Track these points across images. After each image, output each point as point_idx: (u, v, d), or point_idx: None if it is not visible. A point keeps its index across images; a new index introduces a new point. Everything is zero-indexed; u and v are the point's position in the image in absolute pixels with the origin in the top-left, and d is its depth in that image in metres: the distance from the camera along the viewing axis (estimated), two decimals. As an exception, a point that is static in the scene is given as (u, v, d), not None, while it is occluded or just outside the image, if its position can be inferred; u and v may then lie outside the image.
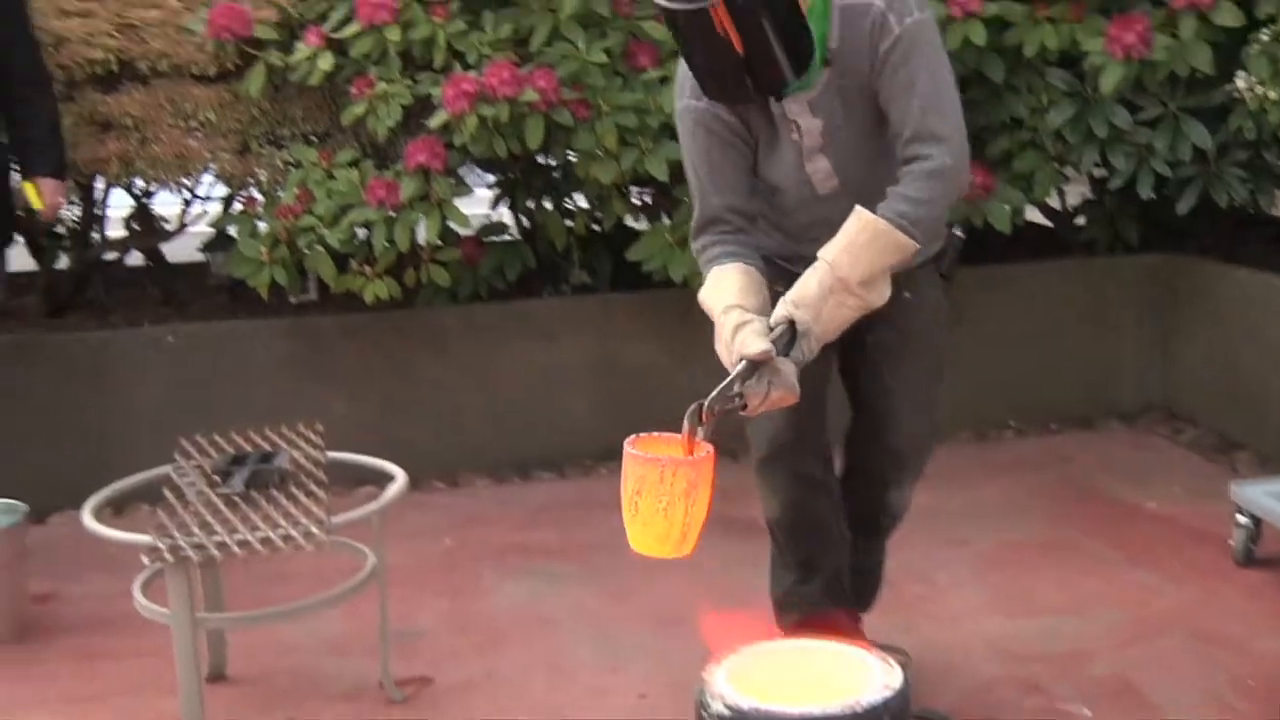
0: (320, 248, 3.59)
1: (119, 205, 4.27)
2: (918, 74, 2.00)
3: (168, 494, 2.42)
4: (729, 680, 1.78)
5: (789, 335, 1.99)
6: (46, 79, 3.32)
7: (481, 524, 3.53)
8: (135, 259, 4.48)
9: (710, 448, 1.84)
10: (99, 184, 4.01)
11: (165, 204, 4.32)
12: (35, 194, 3.26)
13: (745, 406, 1.93)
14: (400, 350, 3.81)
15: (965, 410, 3.95)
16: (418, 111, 3.63)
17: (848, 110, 2.08)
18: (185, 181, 3.87)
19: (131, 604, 2.48)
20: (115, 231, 4.32)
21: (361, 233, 3.63)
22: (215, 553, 2.17)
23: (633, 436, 1.87)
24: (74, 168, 3.62)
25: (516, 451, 3.87)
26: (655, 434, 1.87)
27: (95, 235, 4.23)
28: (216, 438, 2.71)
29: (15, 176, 3.31)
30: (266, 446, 2.64)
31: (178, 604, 2.25)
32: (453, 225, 3.66)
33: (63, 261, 4.23)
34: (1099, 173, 4.05)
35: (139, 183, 4.03)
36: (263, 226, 3.67)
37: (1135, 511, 3.34)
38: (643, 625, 2.85)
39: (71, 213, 4.21)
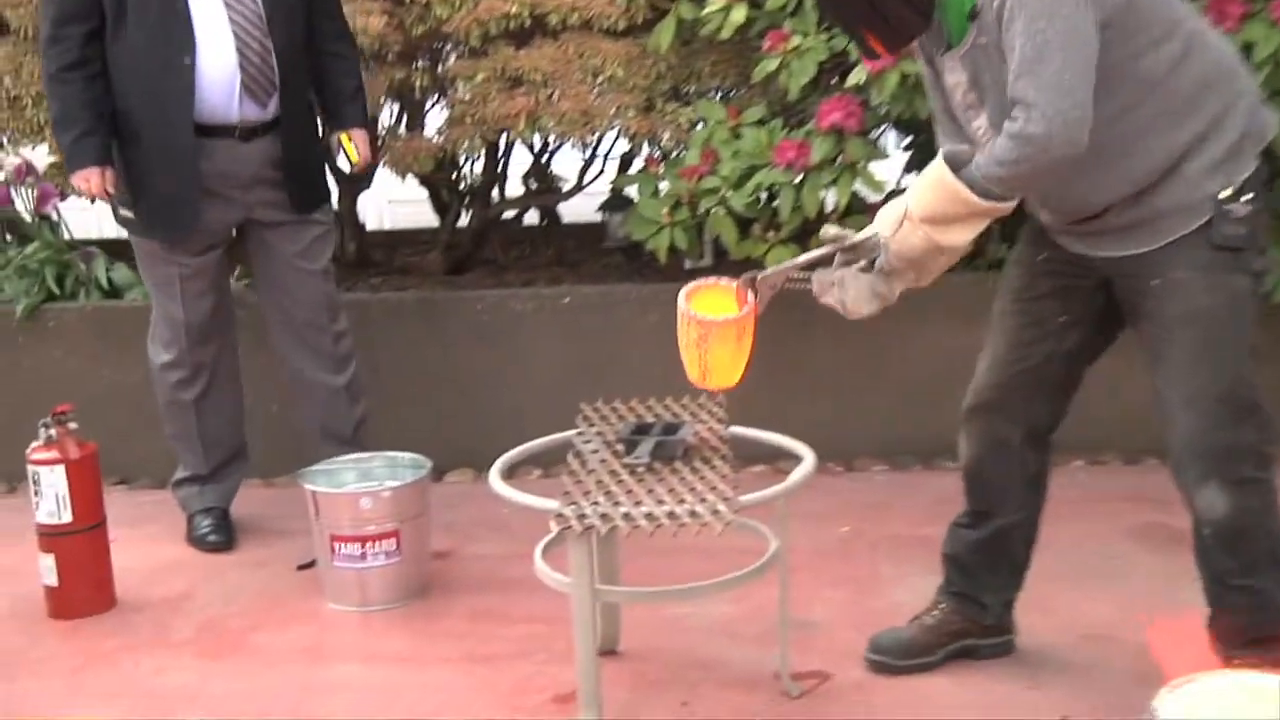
0: (722, 211, 3.66)
1: (518, 163, 4.51)
2: (1018, 36, 2.10)
3: (572, 460, 2.53)
4: (1185, 713, 1.68)
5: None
6: (350, 34, 3.47)
7: (880, 512, 3.52)
8: (532, 217, 4.75)
9: (741, 311, 2.31)
10: (502, 141, 4.23)
11: (564, 162, 4.55)
12: (350, 146, 3.42)
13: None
14: (800, 324, 3.84)
15: None
16: (833, 68, 3.64)
17: (990, 67, 2.19)
18: (587, 139, 4.02)
19: (522, 567, 2.60)
20: (514, 190, 4.59)
21: (766, 196, 3.67)
22: (621, 524, 2.25)
23: (696, 282, 2.39)
24: (482, 124, 3.85)
25: (918, 438, 3.82)
26: (720, 283, 2.38)
27: (495, 193, 4.50)
28: (617, 405, 2.81)
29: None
30: (668, 417, 2.71)
31: (579, 573, 2.35)
32: (863, 191, 3.64)
33: (463, 219, 4.52)
34: None
35: (539, 140, 4.26)
36: (664, 187, 3.78)
37: None
38: (1064, 639, 2.76)
39: (474, 170, 4.49)
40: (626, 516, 2.27)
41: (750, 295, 2.35)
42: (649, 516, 2.26)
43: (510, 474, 2.57)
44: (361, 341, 4.04)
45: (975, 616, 2.66)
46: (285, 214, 3.35)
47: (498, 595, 3.12)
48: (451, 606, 3.09)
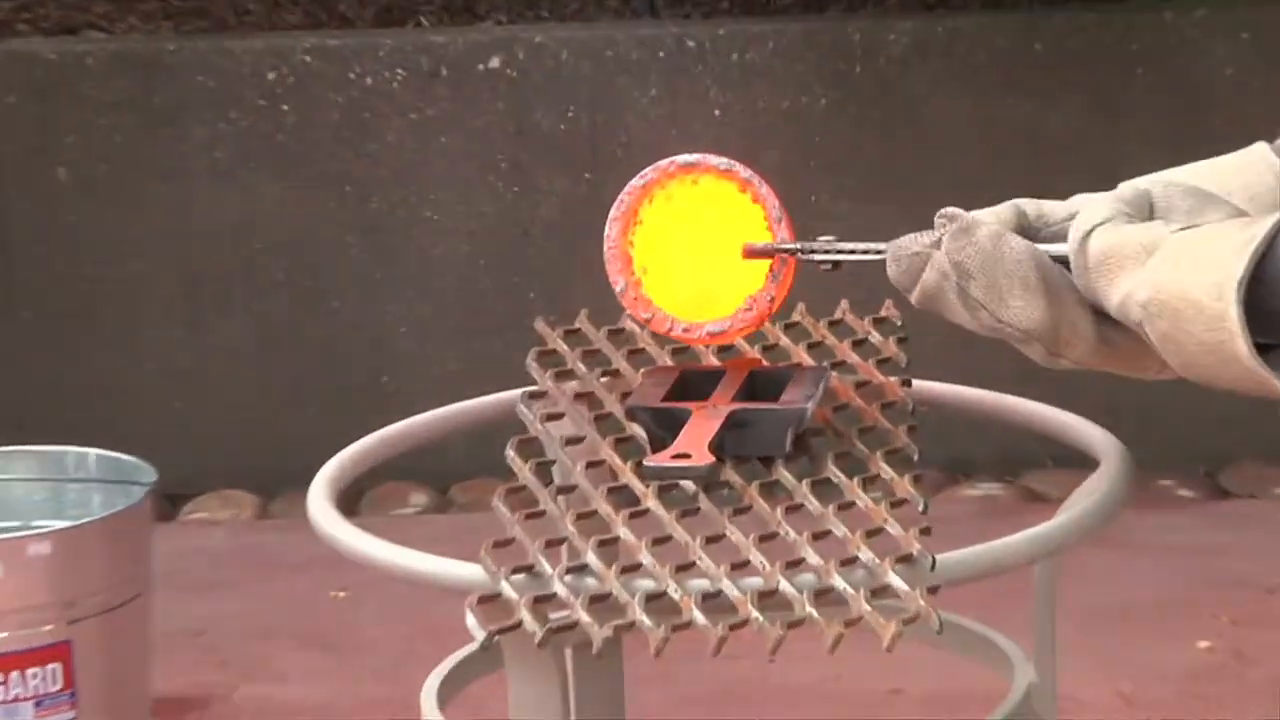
0: None
1: None
2: None
3: (516, 464, 2.57)
4: None
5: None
6: None
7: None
8: None
9: (743, 311, 2.62)
10: None
11: None
12: None
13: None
14: (1096, 105, 3.87)
15: None
16: None
17: None
18: None
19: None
20: None
21: None
22: (644, 622, 2.28)
23: (667, 164, 2.65)
24: None
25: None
26: (708, 163, 2.65)
27: None
28: (627, 324, 2.84)
29: None
30: (754, 352, 2.77)
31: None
32: None
33: None
34: None
35: None
36: None
37: None
38: None
39: None
40: (655, 601, 2.30)
41: (777, 268, 2.61)
42: (711, 599, 2.30)
43: (354, 500, 2.60)
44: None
45: None
46: None
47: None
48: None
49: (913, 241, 2.41)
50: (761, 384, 2.63)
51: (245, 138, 4.09)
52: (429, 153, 4.09)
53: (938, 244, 2.40)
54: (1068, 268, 2.39)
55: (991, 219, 2.43)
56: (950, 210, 2.43)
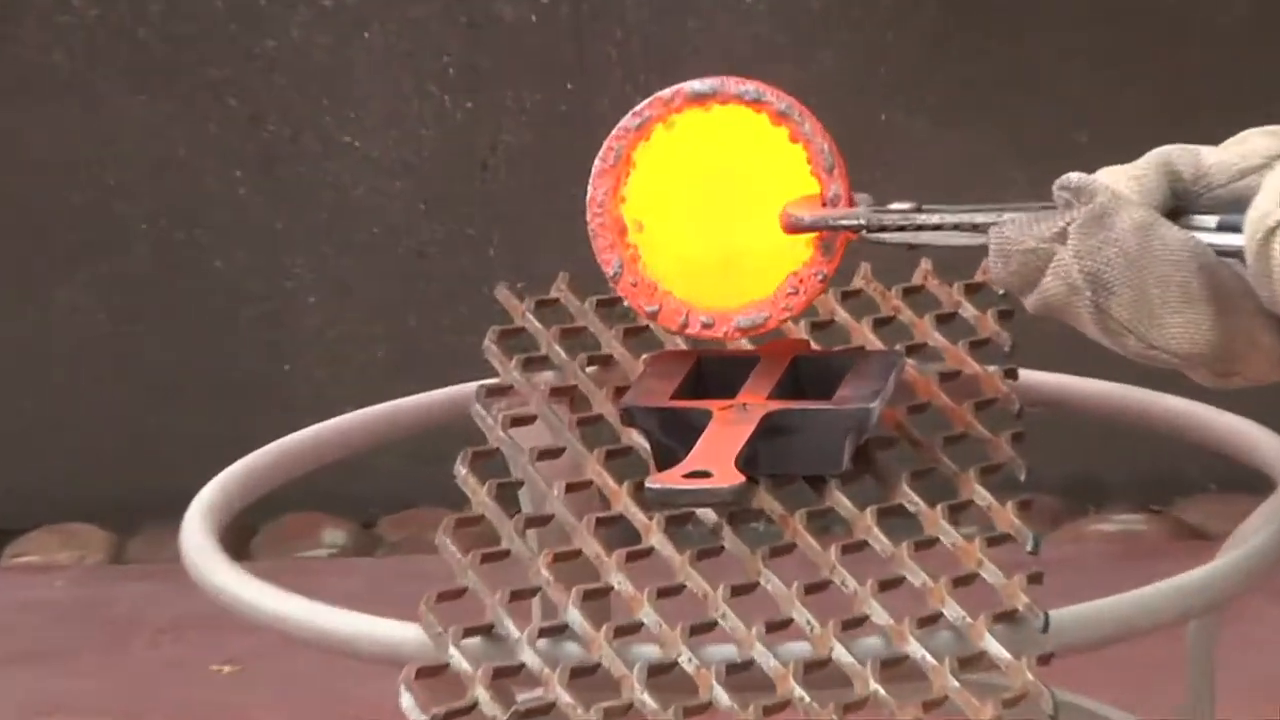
0: None
1: None
2: None
3: (466, 480, 2.57)
4: None
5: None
6: None
7: None
8: None
9: (783, 299, 2.65)
10: None
11: None
12: None
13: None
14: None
15: None
16: None
17: None
18: None
19: None
20: None
21: None
22: (644, 699, 2.27)
23: (671, 93, 2.62)
24: None
25: None
26: (743, 90, 2.63)
27: None
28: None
29: None
30: (801, 332, 2.77)
31: None
32: None
33: None
34: None
35: None
36: None
37: None
38: None
39: None
40: (662, 675, 2.29)
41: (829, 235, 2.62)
42: (739, 672, 2.29)
43: (244, 537, 2.59)
44: None
45: None
46: None
47: None
48: None
49: (1025, 232, 2.35)
50: (809, 375, 2.62)
51: (94, 34, 4.08)
52: (348, 53, 4.07)
53: (1061, 236, 2.33)
54: (1240, 259, 2.33)
55: (1133, 190, 2.38)
56: (1075, 180, 2.36)
